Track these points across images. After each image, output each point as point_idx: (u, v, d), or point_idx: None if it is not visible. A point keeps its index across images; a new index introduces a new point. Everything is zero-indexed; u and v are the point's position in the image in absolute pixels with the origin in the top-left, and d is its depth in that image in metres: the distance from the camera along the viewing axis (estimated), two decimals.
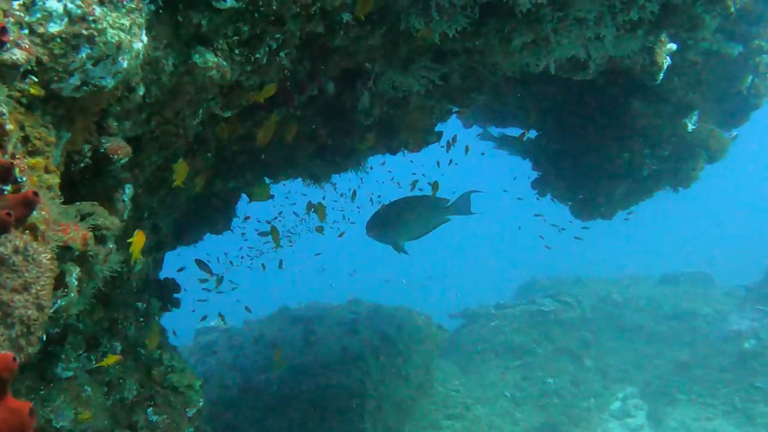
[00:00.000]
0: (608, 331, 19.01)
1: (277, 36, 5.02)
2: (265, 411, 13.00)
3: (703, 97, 10.10)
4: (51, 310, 2.67)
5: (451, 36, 6.47)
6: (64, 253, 2.76)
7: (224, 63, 4.36)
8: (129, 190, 4.22)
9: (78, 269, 2.97)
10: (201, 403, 6.63)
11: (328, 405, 12.76)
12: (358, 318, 15.72)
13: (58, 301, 2.91)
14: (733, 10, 7.92)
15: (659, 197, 11.51)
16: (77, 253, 2.86)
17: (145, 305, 6.67)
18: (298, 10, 4.89)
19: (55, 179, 2.86)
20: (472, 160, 11.98)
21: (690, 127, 10.12)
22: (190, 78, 4.33)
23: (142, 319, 6.57)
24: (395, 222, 8.66)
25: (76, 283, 2.98)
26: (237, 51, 4.52)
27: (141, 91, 3.77)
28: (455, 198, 9.00)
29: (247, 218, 11.30)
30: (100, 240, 3.16)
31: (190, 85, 4.42)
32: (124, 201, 4.16)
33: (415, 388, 15.09)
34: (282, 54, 5.35)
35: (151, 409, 6.26)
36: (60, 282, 2.79)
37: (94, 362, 5.61)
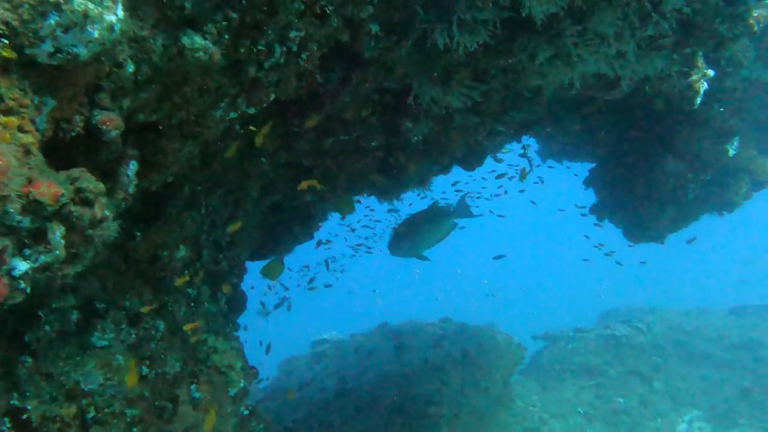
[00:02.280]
0: (678, 356, 17.43)
1: (293, 35, 4.57)
2: (356, 412, 12.37)
3: (743, 123, 9.02)
4: (36, 264, 2.53)
5: (472, 48, 5.80)
6: (36, 208, 2.48)
7: (212, 46, 3.90)
8: (134, 166, 3.83)
9: (62, 228, 2.64)
10: (242, 384, 6.14)
11: (408, 409, 12.04)
12: (445, 334, 14.97)
13: (41, 257, 2.57)
14: (756, 29, 6.99)
15: (723, 228, 10.39)
16: (50, 209, 2.54)
17: (195, 292, 6.23)
18: (301, 6, 4.43)
19: (29, 138, 2.58)
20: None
21: (731, 152, 9.03)
22: (183, 60, 3.90)
23: (192, 305, 6.16)
24: (411, 237, 8.55)
25: (61, 241, 2.65)
26: (227, 37, 4.06)
27: (130, 67, 3.41)
28: (455, 204, 8.78)
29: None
30: (85, 202, 2.80)
31: (188, 68, 3.98)
32: (128, 176, 3.78)
33: (493, 400, 14.16)
34: (303, 56, 4.86)
35: (194, 385, 5.78)
36: (40, 238, 2.55)
37: (133, 336, 5.22)
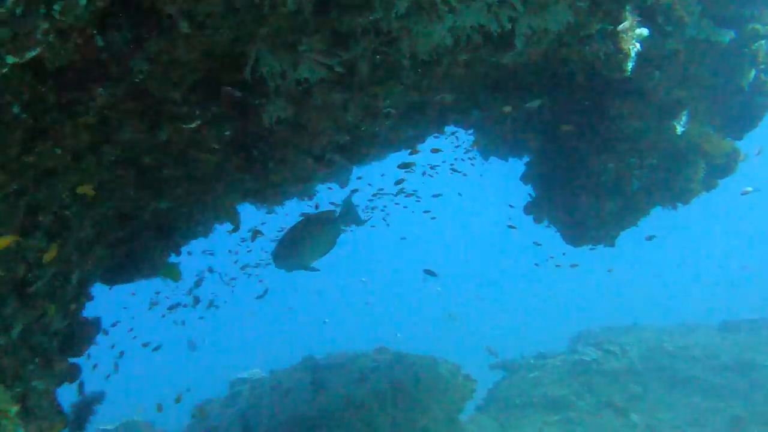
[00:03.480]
0: (659, 383, 16.32)
1: None
2: None
3: (692, 94, 7.95)
4: None
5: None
6: None
7: None
8: None
9: None
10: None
11: None
12: (378, 366, 13.77)
13: None
14: None
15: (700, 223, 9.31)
16: None
17: None
18: None
19: None
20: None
21: (679, 129, 7.96)
22: None
23: None
24: (296, 248, 8.19)
25: None
26: None
27: None
28: (340, 208, 8.37)
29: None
30: None
31: None
32: None
33: None
34: (56, 8, 3.76)
35: None
36: None
37: None
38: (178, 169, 6.83)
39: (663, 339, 17.37)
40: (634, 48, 6.88)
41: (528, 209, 9.91)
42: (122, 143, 5.75)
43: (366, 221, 8.35)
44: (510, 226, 9.90)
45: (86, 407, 8.73)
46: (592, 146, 8.52)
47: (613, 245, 9.48)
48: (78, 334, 7.40)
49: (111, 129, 5.52)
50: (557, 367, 16.27)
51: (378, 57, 6.30)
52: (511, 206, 10.52)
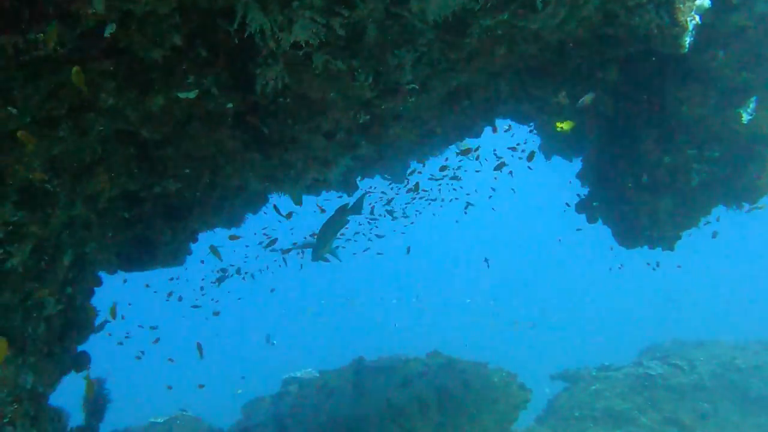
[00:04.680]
0: (729, 401, 14.99)
1: None
2: None
3: (761, 78, 6.92)
4: None
5: None
6: None
7: None
8: None
9: None
10: None
11: None
12: (427, 371, 12.97)
13: None
14: None
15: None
16: None
17: None
18: None
19: None
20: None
21: (745, 117, 6.94)
22: None
23: None
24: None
25: None
26: None
27: None
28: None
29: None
30: None
31: None
32: None
33: None
34: None
35: None
36: None
37: None
38: (182, 146, 6.23)
39: (735, 355, 16.00)
40: (693, 21, 6.00)
41: (580, 208, 8.99)
42: (108, 111, 5.16)
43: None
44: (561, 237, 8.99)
45: (100, 399, 8.28)
46: (648, 137, 7.57)
47: (672, 249, 8.48)
48: (77, 321, 6.88)
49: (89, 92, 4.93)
50: (620, 380, 15.17)
51: (389, 21, 5.58)
52: (567, 205, 9.61)
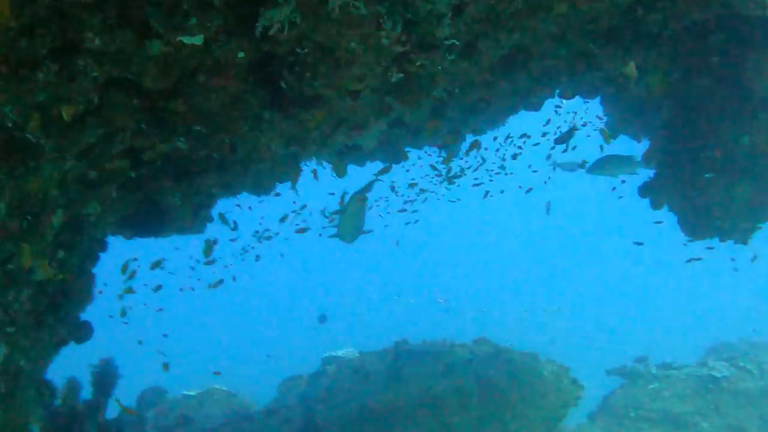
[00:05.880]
0: None
1: None
2: None
3: None
4: None
5: None
6: None
7: None
8: None
9: None
10: None
11: None
12: (472, 360, 12.00)
13: None
14: None
15: None
16: None
17: None
18: None
19: None
20: None
21: None
22: None
23: None
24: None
25: None
26: None
27: None
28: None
29: None
30: None
31: None
32: None
33: None
34: None
35: None
36: None
37: None
38: (191, 101, 5.37)
39: None
40: None
41: (644, 191, 7.87)
42: (99, 54, 4.34)
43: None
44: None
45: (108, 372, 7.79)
46: (725, 113, 6.43)
47: (745, 242, 7.32)
48: (73, 288, 6.15)
49: (69, 29, 4.11)
50: (682, 381, 14.00)
51: None
52: (620, 197, 8.56)
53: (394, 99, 6.01)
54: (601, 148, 8.15)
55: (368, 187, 7.83)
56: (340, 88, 5.39)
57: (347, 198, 8.14)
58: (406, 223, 13.58)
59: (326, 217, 9.45)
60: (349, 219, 7.78)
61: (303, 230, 9.89)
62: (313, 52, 4.96)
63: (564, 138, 8.34)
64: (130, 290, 8.07)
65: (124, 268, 7.37)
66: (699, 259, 9.09)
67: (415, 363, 11.86)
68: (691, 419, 13.24)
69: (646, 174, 8.17)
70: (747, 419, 13.29)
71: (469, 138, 10.84)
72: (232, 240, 10.96)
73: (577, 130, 8.45)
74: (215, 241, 8.05)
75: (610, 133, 10.36)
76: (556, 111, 10.81)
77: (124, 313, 7.99)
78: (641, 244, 10.64)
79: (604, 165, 8.42)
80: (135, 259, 8.39)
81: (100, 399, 7.88)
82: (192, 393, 14.64)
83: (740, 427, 13.10)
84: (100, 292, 6.55)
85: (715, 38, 6.29)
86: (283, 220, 10.55)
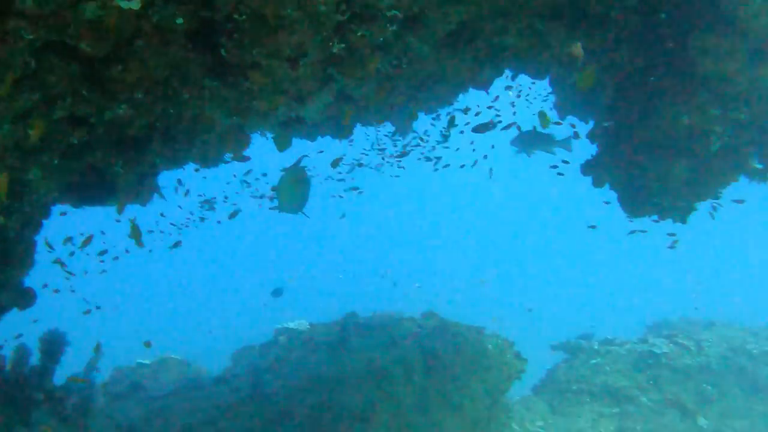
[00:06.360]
0: (737, 387, 14.04)
1: None
2: (265, 422, 9.78)
3: None
4: None
5: None
6: None
7: None
8: None
9: None
10: None
11: (330, 427, 9.39)
12: (420, 333, 12.15)
13: None
14: None
15: None
16: None
17: None
18: None
19: None
20: None
21: None
22: None
23: None
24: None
25: None
26: None
27: None
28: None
29: None
30: None
31: None
32: None
33: (470, 422, 11.22)
34: None
35: None
36: None
37: None
38: (131, 67, 5.32)
39: (747, 339, 15.01)
40: None
41: (586, 169, 8.01)
42: (33, 17, 4.29)
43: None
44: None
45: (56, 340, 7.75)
46: (666, 93, 6.55)
47: (684, 221, 7.49)
48: (12, 254, 6.11)
49: None
50: (622, 356, 14.29)
51: None
52: (560, 174, 8.63)
53: (336, 70, 6.03)
54: (534, 129, 8.19)
55: (299, 161, 7.83)
56: (279, 56, 5.40)
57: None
58: (347, 191, 13.51)
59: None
60: (285, 191, 7.73)
61: (234, 214, 9.88)
62: (250, 18, 4.97)
63: (481, 128, 8.41)
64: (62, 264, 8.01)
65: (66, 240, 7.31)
66: (644, 232, 9.23)
67: (362, 335, 11.97)
68: (630, 393, 13.53)
69: (588, 153, 8.31)
70: (684, 394, 13.63)
71: (421, 115, 10.92)
72: (179, 206, 10.93)
73: (494, 124, 8.53)
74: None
75: (559, 113, 10.52)
76: (506, 90, 10.90)
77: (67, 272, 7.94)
78: (595, 227, 10.78)
79: (524, 141, 8.62)
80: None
81: (47, 365, 7.86)
82: (146, 362, 14.64)
83: (678, 402, 13.44)
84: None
85: (661, 19, 6.39)
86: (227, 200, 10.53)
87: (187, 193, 8.95)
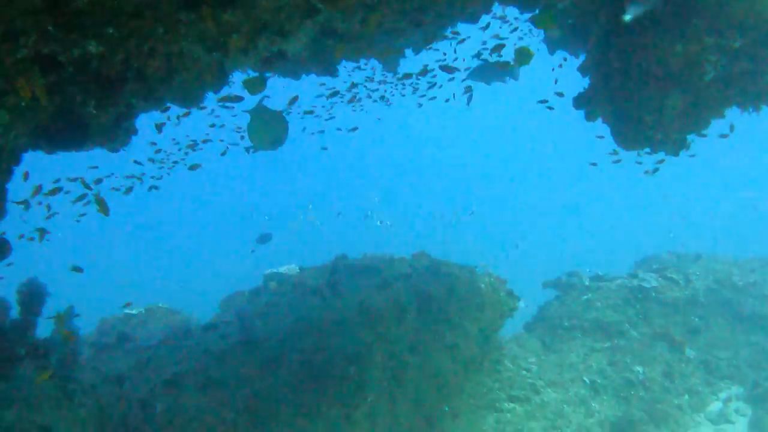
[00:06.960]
0: (722, 318, 14.19)
1: None
2: (258, 368, 9.69)
3: None
4: None
5: None
6: None
7: None
8: None
9: None
10: None
11: (322, 370, 9.33)
12: (412, 273, 12.07)
13: None
14: None
15: None
16: None
17: None
18: None
19: None
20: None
21: None
22: None
23: None
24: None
25: None
26: None
27: None
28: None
29: None
30: None
31: None
32: None
33: (464, 361, 11.24)
34: None
35: None
36: None
37: None
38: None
39: (733, 272, 15.07)
40: None
41: (579, 102, 7.83)
42: None
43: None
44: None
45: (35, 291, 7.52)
46: (660, 23, 6.35)
47: (676, 155, 7.37)
48: None
49: None
50: (613, 292, 14.31)
51: None
52: (550, 108, 8.45)
53: (319, 1, 5.78)
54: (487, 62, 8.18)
55: (261, 100, 7.66)
56: None
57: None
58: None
59: None
60: (255, 130, 7.68)
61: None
62: None
63: (449, 68, 8.45)
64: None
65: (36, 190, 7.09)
66: (642, 165, 9.06)
67: (353, 277, 11.89)
68: (621, 327, 13.58)
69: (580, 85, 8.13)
70: (672, 326, 13.71)
71: (408, 53, 10.65)
72: (156, 151, 10.67)
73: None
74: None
75: (549, 47, 10.26)
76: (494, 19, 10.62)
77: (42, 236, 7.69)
78: (595, 164, 10.62)
79: (480, 71, 8.76)
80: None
81: (28, 318, 7.65)
82: (134, 311, 14.46)
83: (666, 334, 13.52)
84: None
85: None
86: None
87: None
